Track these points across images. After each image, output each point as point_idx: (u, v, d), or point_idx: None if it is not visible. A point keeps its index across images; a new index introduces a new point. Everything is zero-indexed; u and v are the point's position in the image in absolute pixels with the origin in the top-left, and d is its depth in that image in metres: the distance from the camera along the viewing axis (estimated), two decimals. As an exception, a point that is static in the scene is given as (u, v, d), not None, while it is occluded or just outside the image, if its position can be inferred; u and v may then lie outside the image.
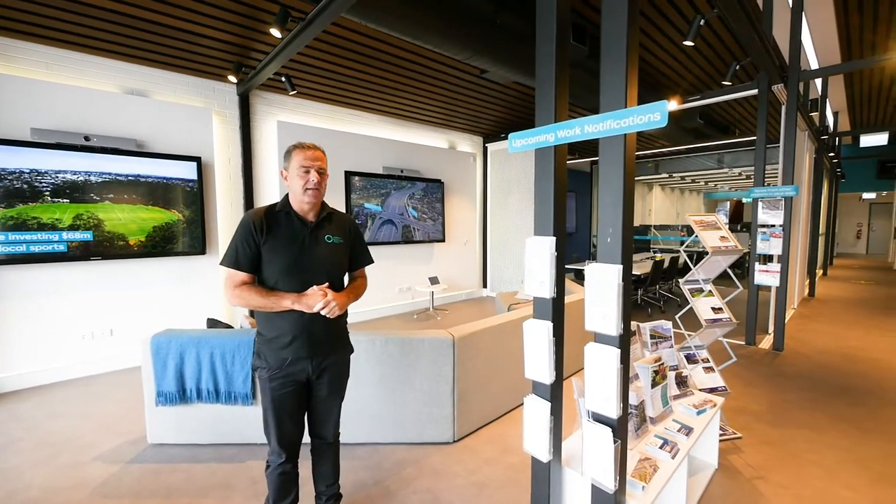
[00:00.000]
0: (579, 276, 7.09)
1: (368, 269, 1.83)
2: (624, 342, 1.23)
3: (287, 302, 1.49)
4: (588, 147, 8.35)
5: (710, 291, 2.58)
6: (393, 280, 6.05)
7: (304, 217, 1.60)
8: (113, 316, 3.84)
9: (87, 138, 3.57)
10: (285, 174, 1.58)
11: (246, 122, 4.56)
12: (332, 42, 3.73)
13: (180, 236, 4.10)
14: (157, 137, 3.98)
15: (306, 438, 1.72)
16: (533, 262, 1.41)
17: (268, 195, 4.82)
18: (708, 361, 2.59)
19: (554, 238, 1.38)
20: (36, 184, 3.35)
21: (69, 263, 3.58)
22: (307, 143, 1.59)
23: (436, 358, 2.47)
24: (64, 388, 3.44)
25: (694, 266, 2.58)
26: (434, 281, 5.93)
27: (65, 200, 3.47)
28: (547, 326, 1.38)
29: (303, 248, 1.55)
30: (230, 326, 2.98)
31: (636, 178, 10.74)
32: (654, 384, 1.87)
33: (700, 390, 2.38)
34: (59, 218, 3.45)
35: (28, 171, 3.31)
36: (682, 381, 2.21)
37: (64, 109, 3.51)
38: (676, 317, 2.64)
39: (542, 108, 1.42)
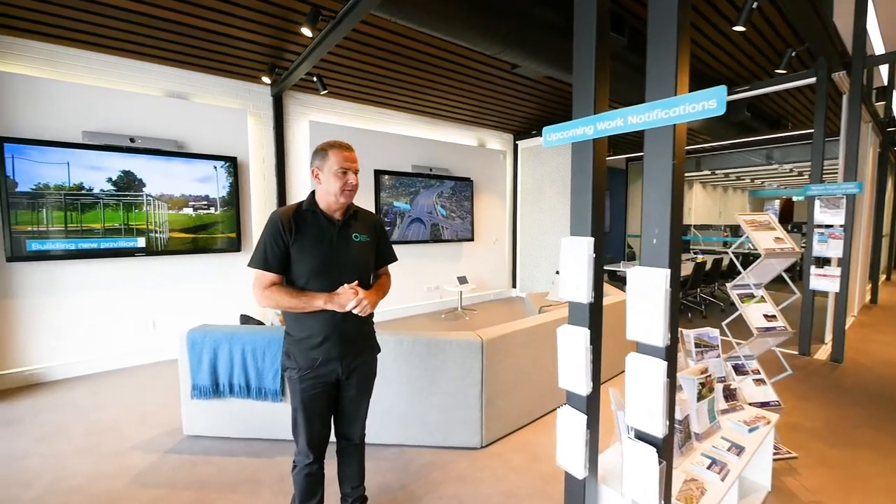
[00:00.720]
0: (613, 277, 6.83)
1: (396, 267, 1.79)
2: (671, 354, 1.12)
3: (319, 302, 1.47)
4: (623, 142, 8.03)
5: (761, 297, 2.38)
6: (421, 279, 6.03)
7: (331, 216, 1.58)
8: (155, 309, 4.01)
9: (132, 140, 3.75)
10: (317, 172, 1.56)
11: (279, 123, 4.66)
12: (361, 41, 3.73)
13: (218, 234, 4.23)
14: (195, 138, 4.12)
15: (332, 438, 1.70)
16: (569, 263, 1.32)
17: (300, 194, 4.91)
18: (759, 373, 2.39)
19: (592, 239, 1.28)
20: (85, 181, 3.54)
21: (116, 259, 3.76)
22: (342, 142, 1.56)
23: (464, 360, 2.41)
24: (110, 377, 3.62)
25: (743, 269, 2.39)
26: (462, 280, 5.86)
27: (112, 199, 3.65)
28: (584, 334, 1.29)
29: (331, 247, 1.53)
30: (262, 323, 3.03)
31: (675, 176, 10.23)
32: (699, 397, 1.73)
33: (750, 404, 2.19)
34: (107, 216, 3.64)
35: (81, 168, 3.50)
36: (730, 394, 2.05)
37: (111, 113, 3.69)
38: (723, 324, 2.46)
39: (580, 98, 1.33)
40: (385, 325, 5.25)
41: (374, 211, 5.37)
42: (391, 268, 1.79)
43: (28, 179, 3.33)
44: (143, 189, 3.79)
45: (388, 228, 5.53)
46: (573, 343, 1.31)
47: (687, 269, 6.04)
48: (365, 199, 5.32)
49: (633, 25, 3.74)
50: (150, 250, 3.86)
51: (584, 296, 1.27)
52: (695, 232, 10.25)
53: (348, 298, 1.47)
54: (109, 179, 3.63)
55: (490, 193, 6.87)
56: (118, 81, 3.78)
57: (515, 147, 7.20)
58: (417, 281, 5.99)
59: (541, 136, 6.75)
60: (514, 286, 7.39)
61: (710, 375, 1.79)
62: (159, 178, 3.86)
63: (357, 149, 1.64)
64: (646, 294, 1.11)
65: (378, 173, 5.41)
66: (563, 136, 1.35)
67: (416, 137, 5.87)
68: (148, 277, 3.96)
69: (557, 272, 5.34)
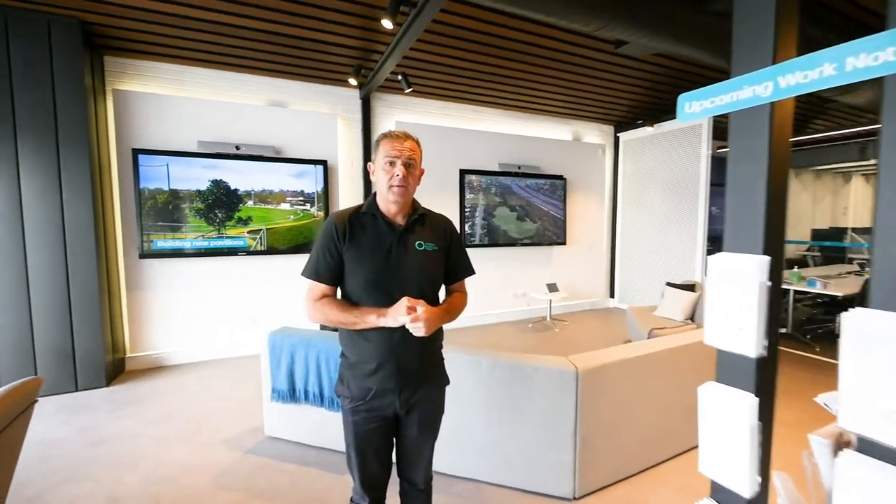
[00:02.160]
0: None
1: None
2: (938, 468, 0.64)
3: (372, 317, 1.25)
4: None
5: None
6: (507, 284, 5.66)
7: (392, 220, 1.34)
8: (255, 306, 4.29)
9: (237, 147, 4.04)
10: (372, 168, 1.35)
11: (367, 125, 4.69)
12: (445, 32, 3.51)
13: (313, 235, 4.40)
14: (291, 144, 4.33)
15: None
16: (723, 293, 0.88)
17: (385, 196, 4.89)
18: None
19: (767, 259, 0.83)
20: (198, 185, 3.90)
21: (223, 258, 4.09)
22: (397, 131, 1.34)
23: (554, 391, 2.01)
24: (216, 366, 3.94)
25: None
26: (552, 288, 5.35)
27: (219, 201, 3.98)
28: (748, 403, 0.84)
29: (389, 257, 1.29)
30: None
31: (828, 167, 8.24)
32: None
33: None
34: (215, 217, 3.97)
35: (195, 173, 3.88)
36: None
37: (221, 123, 4.02)
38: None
39: (746, 40, 0.88)
40: (467, 333, 4.99)
41: (458, 212, 5.15)
42: (470, 282, 1.49)
43: (153, 185, 3.76)
44: (246, 191, 4.07)
45: (471, 230, 5.27)
46: (728, 415, 0.87)
47: (849, 285, 4.73)
48: (449, 200, 5.13)
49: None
50: (251, 250, 4.14)
51: (752, 345, 0.82)
52: (854, 237, 8.18)
53: (401, 311, 1.21)
54: (217, 183, 3.96)
55: (585, 192, 6.21)
56: (228, 94, 4.11)
57: (616, 140, 6.42)
58: (503, 286, 5.63)
59: (647, 125, 5.88)
60: (611, 296, 6.60)
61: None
62: (260, 180, 4.12)
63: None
64: (889, 358, 0.64)
65: (463, 172, 5.18)
66: (716, 102, 0.91)
67: (504, 134, 5.52)
68: (249, 275, 4.25)
69: (668, 283, 4.54)
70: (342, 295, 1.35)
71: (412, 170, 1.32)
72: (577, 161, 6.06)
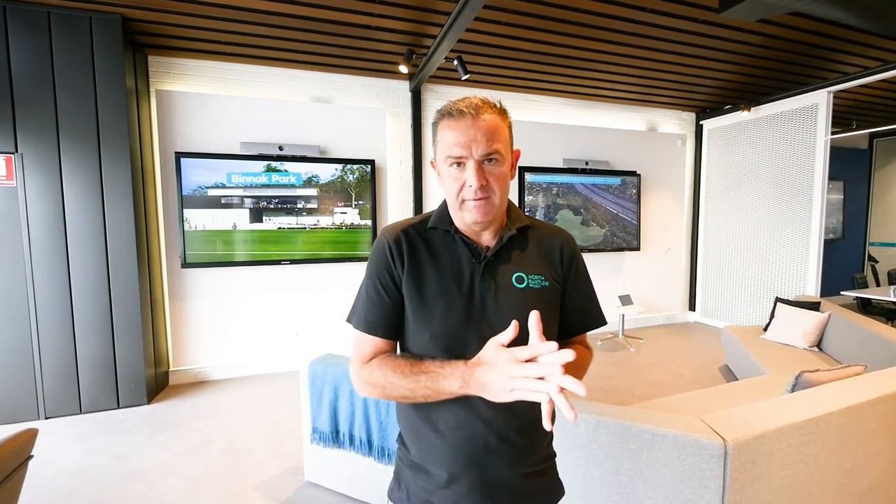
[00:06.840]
0: (866, 309, 4.66)
1: None
2: None
3: (451, 373, 0.71)
4: (869, 111, 5.54)
5: None
6: (570, 295, 5.01)
7: (475, 239, 0.85)
8: (297, 318, 3.99)
9: (280, 148, 3.76)
10: (436, 166, 0.86)
11: (417, 120, 4.27)
12: (506, 7, 2.99)
13: (361, 242, 4.04)
14: (336, 143, 3.99)
15: None
16: None
17: (438, 200, 4.45)
18: None
19: None
20: (239, 189, 3.65)
21: (265, 266, 3.82)
22: (462, 102, 0.78)
23: (688, 471, 1.43)
24: (258, 382, 3.66)
25: None
26: (626, 300, 4.65)
27: (261, 206, 3.71)
28: None
29: (470, 300, 0.80)
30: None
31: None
32: None
33: None
34: (255, 221, 3.71)
35: (237, 177, 3.63)
36: None
37: (265, 122, 3.75)
38: None
39: None
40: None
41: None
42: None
43: (193, 189, 3.54)
44: (289, 196, 3.78)
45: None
46: None
47: None
48: (507, 202, 4.59)
49: None
50: (294, 259, 3.84)
51: None
52: None
53: (524, 353, 0.63)
54: (258, 186, 3.69)
55: (662, 190, 5.42)
56: (271, 91, 3.84)
57: (699, 129, 5.56)
58: (566, 298, 5.00)
59: (743, 109, 4.91)
60: (691, 309, 5.74)
61: None
62: (305, 186, 3.81)
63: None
64: None
65: (523, 170, 4.62)
66: None
67: (568, 125, 4.90)
68: (293, 285, 3.96)
69: (780, 299, 3.71)
70: (402, 351, 0.87)
71: (497, 166, 0.79)
72: (652, 155, 5.30)
